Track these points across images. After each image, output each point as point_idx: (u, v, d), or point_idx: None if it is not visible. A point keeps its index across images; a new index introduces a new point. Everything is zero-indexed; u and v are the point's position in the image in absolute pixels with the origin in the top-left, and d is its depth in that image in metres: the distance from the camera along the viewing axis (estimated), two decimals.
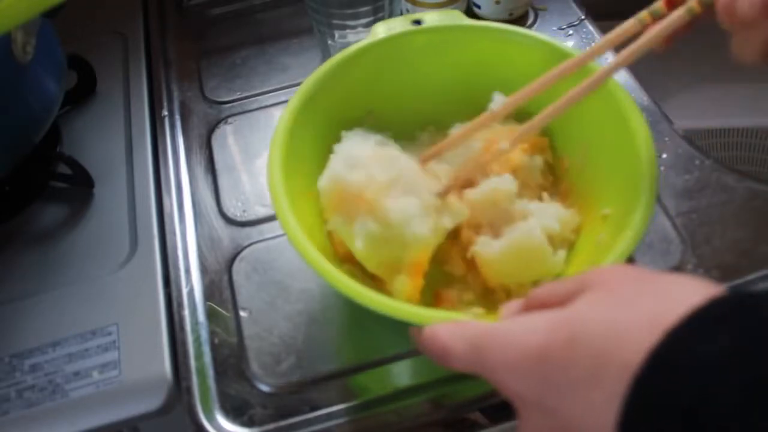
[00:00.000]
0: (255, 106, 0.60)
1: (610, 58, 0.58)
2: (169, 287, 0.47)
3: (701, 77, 0.84)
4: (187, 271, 0.48)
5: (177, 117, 0.59)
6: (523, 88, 0.40)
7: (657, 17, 0.36)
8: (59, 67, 0.53)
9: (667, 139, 0.52)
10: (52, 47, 0.52)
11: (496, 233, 0.40)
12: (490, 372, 0.27)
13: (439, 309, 0.38)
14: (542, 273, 0.38)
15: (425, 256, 0.38)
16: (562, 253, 0.39)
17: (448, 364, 0.29)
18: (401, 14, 0.62)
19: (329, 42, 0.59)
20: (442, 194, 0.39)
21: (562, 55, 0.43)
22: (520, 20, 0.64)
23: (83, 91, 0.61)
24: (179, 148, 0.56)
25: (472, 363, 0.28)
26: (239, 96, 0.61)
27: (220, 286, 0.47)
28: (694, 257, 0.45)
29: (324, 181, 0.39)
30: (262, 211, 0.51)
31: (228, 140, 0.57)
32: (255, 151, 0.56)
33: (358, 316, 0.44)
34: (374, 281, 0.41)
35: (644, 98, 0.55)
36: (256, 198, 0.52)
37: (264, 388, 0.42)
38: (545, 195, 0.43)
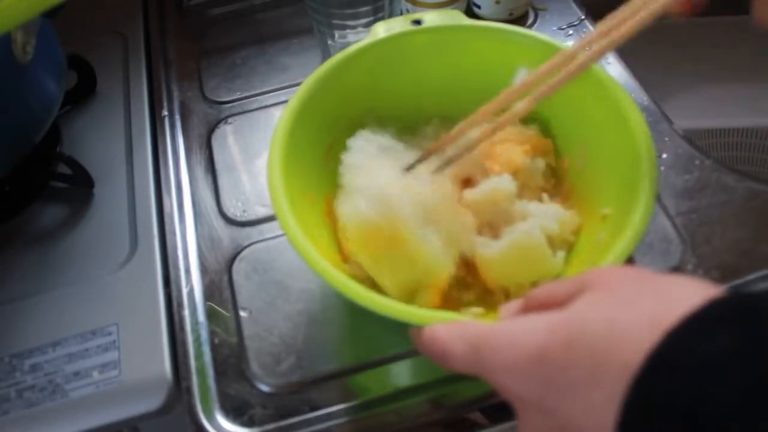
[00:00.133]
0: (255, 106, 0.60)
1: (613, 63, 0.58)
2: (169, 287, 0.47)
3: (701, 77, 0.84)
4: (187, 271, 0.48)
5: (177, 117, 0.59)
6: (518, 83, 0.39)
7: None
8: (59, 67, 0.53)
9: (667, 139, 0.52)
10: (52, 47, 0.52)
11: (495, 234, 0.40)
12: (490, 373, 0.27)
13: (439, 309, 0.38)
14: (541, 274, 0.38)
15: (446, 281, 0.38)
16: (561, 254, 0.39)
17: (448, 364, 0.29)
18: (401, 14, 0.62)
19: (329, 42, 0.59)
20: (408, 169, 0.39)
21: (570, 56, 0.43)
22: (520, 20, 0.64)
23: (83, 91, 0.61)
24: (179, 148, 0.56)
25: (472, 364, 0.28)
26: (239, 96, 0.61)
27: (220, 286, 0.47)
28: (694, 257, 0.45)
29: (350, 219, 0.37)
30: (262, 211, 0.51)
31: (228, 140, 0.57)
32: (255, 151, 0.56)
33: (358, 316, 0.44)
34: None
35: (644, 98, 0.55)
36: (256, 198, 0.52)
37: (264, 388, 0.42)
38: (545, 196, 0.43)
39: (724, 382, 0.20)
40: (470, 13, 0.63)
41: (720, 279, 0.44)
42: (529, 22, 0.64)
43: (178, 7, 0.71)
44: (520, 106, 0.38)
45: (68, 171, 0.54)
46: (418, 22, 0.47)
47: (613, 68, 0.58)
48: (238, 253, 0.49)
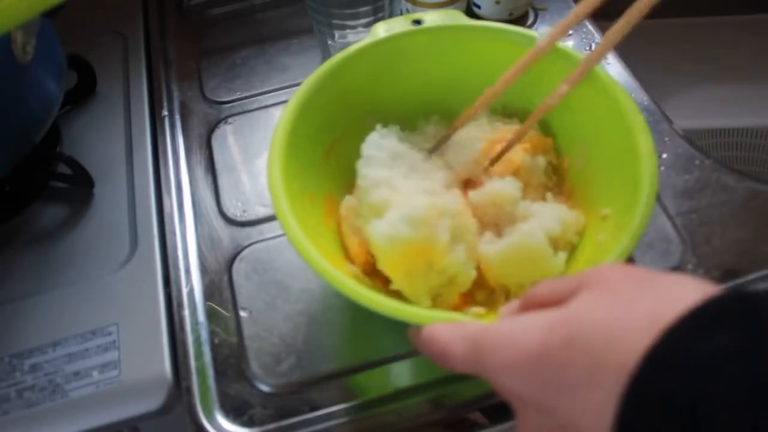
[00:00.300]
0: (255, 106, 0.60)
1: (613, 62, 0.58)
2: (169, 287, 0.47)
3: (701, 77, 0.84)
4: (187, 271, 0.48)
5: (177, 117, 0.59)
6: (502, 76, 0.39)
7: None
8: (59, 67, 0.53)
9: (667, 139, 0.52)
10: (52, 47, 0.52)
11: (499, 232, 0.40)
12: (489, 372, 0.27)
13: (438, 309, 0.38)
14: (542, 275, 0.38)
15: (469, 285, 0.39)
16: (562, 255, 0.39)
17: (447, 364, 0.29)
18: (401, 14, 0.62)
19: (329, 42, 0.59)
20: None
21: (562, 54, 0.43)
22: (520, 20, 0.64)
23: (83, 91, 0.61)
24: (179, 148, 0.56)
25: (471, 363, 0.28)
26: (239, 96, 0.61)
27: (220, 286, 0.47)
28: (694, 257, 0.45)
29: (388, 241, 0.37)
30: (262, 211, 0.51)
31: (228, 140, 0.57)
32: (255, 151, 0.56)
33: (358, 316, 0.44)
34: (375, 281, 0.41)
35: (644, 98, 0.55)
36: (256, 198, 0.52)
37: (264, 388, 0.42)
38: (549, 195, 0.43)
39: (723, 381, 0.20)
40: (470, 13, 0.64)
41: (720, 279, 0.44)
42: (529, 22, 0.64)
43: (178, 7, 0.71)
44: (533, 118, 0.39)
45: (68, 171, 0.54)
46: (418, 22, 0.47)
47: (613, 68, 0.58)
48: (238, 253, 0.49)
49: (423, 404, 0.40)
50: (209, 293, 0.47)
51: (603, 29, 0.62)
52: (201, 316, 0.45)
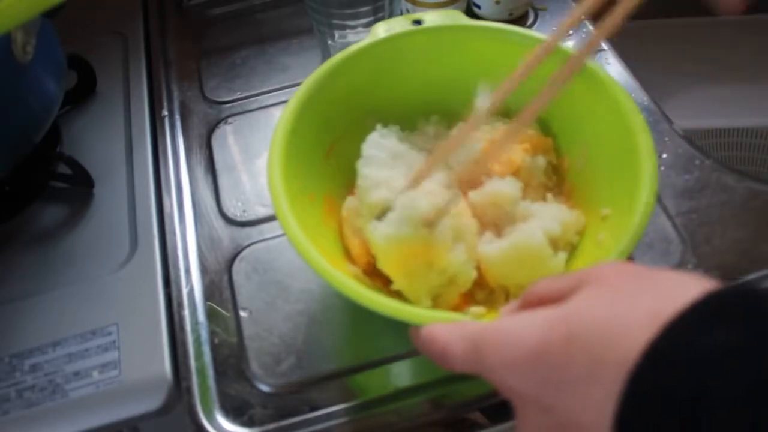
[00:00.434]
0: (255, 106, 0.60)
1: (612, 60, 0.58)
2: (169, 287, 0.47)
3: (701, 77, 0.84)
4: (187, 271, 0.48)
5: (177, 117, 0.59)
6: (504, 81, 0.39)
7: None
8: (59, 67, 0.53)
9: (667, 139, 0.52)
10: (52, 47, 0.52)
11: (499, 232, 0.40)
12: (489, 371, 0.27)
13: (438, 309, 0.38)
14: (542, 275, 0.38)
15: (469, 285, 0.39)
16: (562, 256, 0.39)
17: (447, 364, 0.29)
18: (401, 14, 0.62)
19: (329, 42, 0.59)
20: (408, 187, 0.39)
21: (562, 55, 0.43)
22: (520, 20, 0.64)
23: (83, 91, 0.61)
24: (179, 148, 0.56)
25: (471, 362, 0.28)
26: (239, 96, 0.61)
27: (220, 286, 0.47)
28: (694, 257, 0.45)
29: (389, 241, 0.37)
30: (262, 211, 0.51)
31: (228, 140, 0.57)
32: (255, 151, 0.56)
33: (358, 316, 0.44)
34: (376, 282, 0.41)
35: (644, 98, 0.55)
36: (256, 198, 0.52)
37: (264, 388, 0.42)
38: (549, 196, 0.43)
39: (723, 376, 0.20)
40: (470, 13, 0.64)
41: (720, 279, 0.44)
42: (529, 22, 0.64)
43: (178, 7, 0.71)
44: (528, 112, 0.38)
45: (68, 171, 0.54)
46: (418, 22, 0.47)
47: (613, 68, 0.58)
48: (238, 253, 0.49)
49: (423, 404, 0.40)
50: (209, 293, 0.47)
51: None
52: (201, 316, 0.45)
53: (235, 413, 0.41)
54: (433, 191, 0.40)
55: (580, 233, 0.41)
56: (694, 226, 0.47)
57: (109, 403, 0.42)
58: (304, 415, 0.40)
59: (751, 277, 0.44)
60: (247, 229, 0.50)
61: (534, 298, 0.29)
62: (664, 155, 0.51)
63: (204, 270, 0.48)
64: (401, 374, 0.42)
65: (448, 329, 0.29)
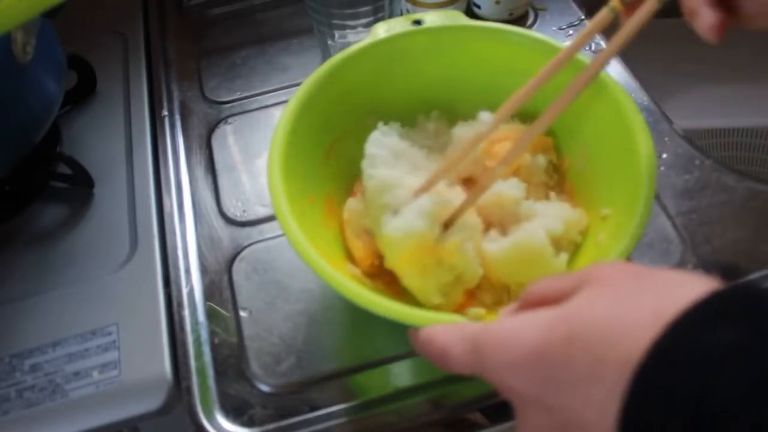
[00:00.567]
0: (255, 106, 0.60)
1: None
2: (169, 287, 0.47)
3: (701, 77, 0.84)
4: (187, 271, 0.48)
5: (177, 117, 0.59)
6: (509, 98, 0.39)
7: (628, 3, 0.36)
8: (59, 67, 0.53)
9: (667, 139, 0.52)
10: (52, 47, 0.52)
11: (504, 231, 0.41)
12: (489, 371, 0.27)
13: (437, 310, 0.38)
14: (544, 274, 0.38)
15: (476, 282, 0.39)
16: (564, 256, 0.38)
17: (447, 365, 0.29)
18: (401, 14, 0.62)
19: (329, 42, 0.59)
20: (419, 192, 0.39)
21: (575, 66, 0.43)
22: (520, 20, 0.64)
23: (83, 91, 0.61)
24: (179, 148, 0.56)
25: (471, 363, 0.28)
26: (239, 96, 0.61)
27: (220, 286, 0.47)
28: (694, 257, 0.45)
29: (404, 237, 0.37)
30: (262, 211, 0.51)
31: (228, 140, 0.57)
32: (255, 151, 0.56)
33: (358, 316, 0.44)
34: (377, 283, 0.41)
35: (644, 98, 0.55)
36: (256, 198, 0.52)
37: (264, 388, 0.42)
38: (552, 194, 0.43)
39: (725, 376, 0.20)
40: (470, 13, 0.64)
41: (720, 279, 0.44)
42: (529, 22, 0.64)
43: (178, 7, 0.71)
44: (538, 125, 0.38)
45: (68, 171, 0.54)
46: (418, 22, 0.47)
47: (613, 68, 0.58)
48: (238, 253, 0.49)
49: (423, 404, 0.40)
50: (209, 293, 0.47)
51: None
52: (201, 316, 0.45)
53: (235, 413, 0.41)
54: (437, 188, 0.40)
55: (583, 232, 0.41)
56: (694, 226, 0.47)
57: (109, 403, 0.42)
58: (304, 415, 0.40)
59: (751, 277, 0.44)
60: (247, 229, 0.50)
61: (534, 299, 0.29)
62: (664, 155, 0.51)
63: (204, 270, 0.48)
64: (401, 374, 0.42)
65: (447, 330, 0.29)
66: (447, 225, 0.38)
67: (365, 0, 0.56)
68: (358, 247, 0.41)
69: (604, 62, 0.36)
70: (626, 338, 0.23)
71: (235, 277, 0.47)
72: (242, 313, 0.45)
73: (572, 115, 0.43)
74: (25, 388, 0.42)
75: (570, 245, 0.40)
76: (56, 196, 0.54)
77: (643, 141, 0.38)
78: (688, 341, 0.21)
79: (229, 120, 0.59)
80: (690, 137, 0.52)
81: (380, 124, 0.44)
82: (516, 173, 0.42)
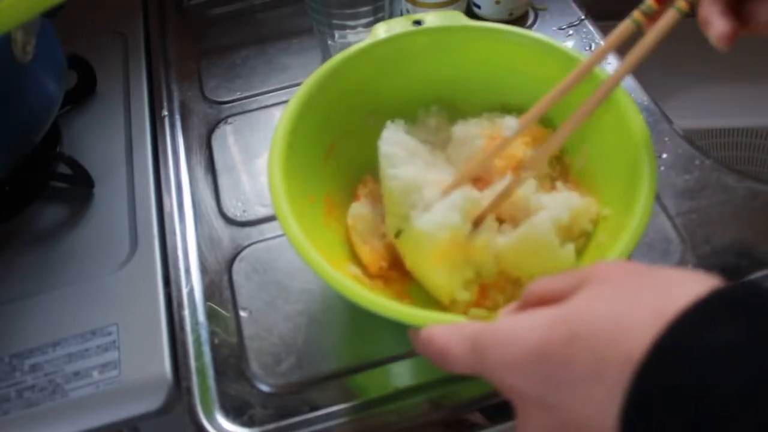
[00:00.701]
0: (255, 106, 0.60)
1: (613, 62, 0.58)
2: (169, 287, 0.47)
3: (701, 77, 0.84)
4: (187, 271, 0.48)
5: (177, 117, 0.59)
6: (532, 107, 0.40)
7: (650, 14, 0.36)
8: (59, 67, 0.53)
9: (667, 139, 0.52)
10: (52, 47, 0.52)
11: (516, 226, 0.41)
12: (490, 371, 0.27)
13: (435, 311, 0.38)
14: (553, 264, 0.38)
15: (491, 278, 0.40)
16: (570, 246, 0.38)
17: (447, 365, 0.29)
18: (401, 14, 0.62)
19: (329, 42, 0.59)
20: (477, 223, 0.40)
21: (562, 55, 0.43)
22: (520, 20, 0.64)
23: (83, 91, 0.61)
24: (179, 148, 0.56)
25: (471, 363, 0.28)
26: (239, 96, 0.61)
27: (220, 286, 0.47)
28: (694, 257, 0.45)
29: (437, 229, 0.37)
30: (262, 211, 0.51)
31: (228, 140, 0.57)
32: (255, 151, 0.56)
33: (358, 316, 0.44)
34: (376, 282, 0.41)
35: (644, 98, 0.55)
36: (256, 198, 0.52)
37: (264, 388, 0.42)
38: (559, 184, 0.43)
39: (727, 375, 0.20)
40: (470, 13, 0.64)
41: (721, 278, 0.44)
42: (529, 22, 0.64)
43: (178, 7, 0.71)
44: (553, 142, 0.39)
45: (68, 171, 0.53)
46: (418, 22, 0.47)
47: (613, 68, 0.57)
48: (238, 253, 0.49)
49: (423, 404, 0.40)
50: (209, 293, 0.47)
51: (603, 29, 0.62)
52: (201, 316, 0.45)
53: (235, 413, 0.41)
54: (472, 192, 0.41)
55: (594, 221, 0.40)
56: (694, 226, 0.47)
57: (109, 403, 0.42)
58: (304, 415, 0.40)
59: (751, 277, 0.44)
60: (247, 229, 0.50)
61: (534, 298, 0.29)
62: (664, 155, 0.51)
63: (204, 270, 0.48)
64: (401, 374, 0.42)
65: (447, 330, 0.29)
66: (476, 224, 0.39)
67: (365, 0, 0.56)
68: (365, 252, 0.42)
69: (628, 71, 0.37)
70: (627, 337, 0.23)
71: (235, 277, 0.47)
72: (242, 313, 0.45)
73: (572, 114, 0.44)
74: (25, 388, 0.42)
75: (581, 234, 0.40)
76: (56, 196, 0.54)
77: (643, 141, 0.38)
78: (689, 340, 0.21)
79: (229, 120, 0.59)
80: (690, 137, 0.52)
81: (388, 123, 0.44)
82: (518, 168, 0.42)
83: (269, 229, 0.50)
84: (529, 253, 0.38)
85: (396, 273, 0.42)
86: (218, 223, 0.51)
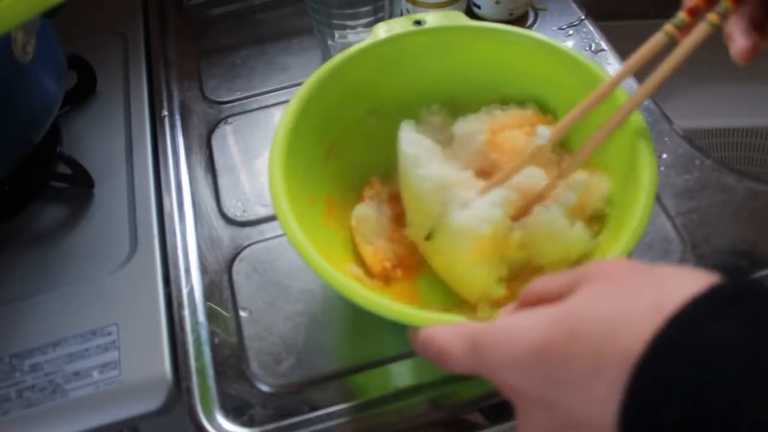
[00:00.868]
0: (255, 106, 0.60)
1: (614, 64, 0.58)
2: (169, 287, 0.47)
3: (701, 77, 0.84)
4: (187, 271, 0.48)
5: (177, 117, 0.59)
6: (562, 118, 0.40)
7: (682, 27, 0.37)
8: (59, 67, 0.53)
9: (667, 139, 0.52)
10: (52, 47, 0.52)
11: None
12: (489, 370, 0.27)
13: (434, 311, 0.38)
14: (567, 248, 0.38)
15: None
16: (580, 224, 0.38)
17: (447, 365, 0.29)
18: (401, 14, 0.62)
19: (329, 42, 0.59)
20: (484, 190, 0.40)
21: (562, 55, 0.43)
22: (520, 20, 0.64)
23: (83, 91, 0.61)
24: (179, 148, 0.56)
25: (471, 362, 0.28)
26: (239, 96, 0.61)
27: (220, 286, 0.47)
28: (694, 257, 0.45)
29: (480, 224, 0.38)
30: (262, 211, 0.51)
31: (228, 140, 0.57)
32: (255, 151, 0.56)
33: (358, 316, 0.44)
34: (377, 282, 0.41)
35: None
36: (256, 198, 0.52)
37: (264, 388, 0.42)
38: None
39: (726, 371, 0.20)
40: (470, 13, 0.63)
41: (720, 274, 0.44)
42: (529, 22, 0.64)
43: (178, 7, 0.71)
44: (572, 162, 0.40)
45: (68, 171, 0.53)
46: (418, 22, 0.47)
47: (613, 68, 0.58)
48: (238, 253, 0.49)
49: (423, 404, 0.40)
50: (209, 293, 0.47)
51: (603, 29, 0.62)
52: (201, 316, 0.45)
53: (235, 413, 0.41)
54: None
55: (606, 200, 0.40)
56: (694, 226, 0.47)
57: (109, 403, 0.42)
58: (304, 415, 0.40)
59: (751, 277, 0.44)
60: (247, 229, 0.50)
61: (533, 297, 0.28)
62: (664, 155, 0.51)
63: (204, 270, 0.48)
64: (401, 374, 0.42)
65: (447, 330, 0.29)
66: (517, 216, 0.40)
67: (365, 0, 0.56)
68: (369, 253, 0.42)
69: (660, 84, 0.37)
70: (626, 334, 0.23)
71: (235, 277, 0.47)
72: (242, 313, 0.45)
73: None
74: (25, 388, 0.42)
75: (594, 213, 0.40)
76: (56, 196, 0.54)
77: (643, 141, 0.38)
78: (688, 336, 0.21)
79: (229, 120, 0.59)
80: (690, 137, 0.52)
81: (403, 123, 0.44)
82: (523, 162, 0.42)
83: (269, 229, 0.50)
84: (545, 238, 0.38)
85: (400, 272, 0.42)
86: (218, 223, 0.51)
